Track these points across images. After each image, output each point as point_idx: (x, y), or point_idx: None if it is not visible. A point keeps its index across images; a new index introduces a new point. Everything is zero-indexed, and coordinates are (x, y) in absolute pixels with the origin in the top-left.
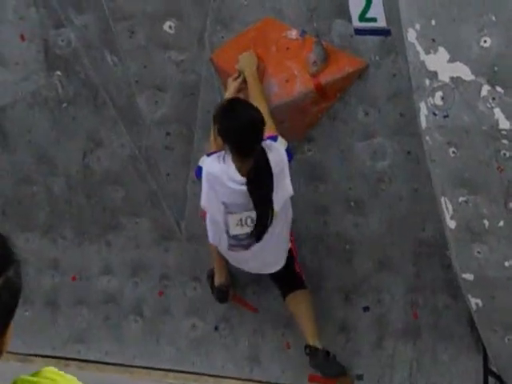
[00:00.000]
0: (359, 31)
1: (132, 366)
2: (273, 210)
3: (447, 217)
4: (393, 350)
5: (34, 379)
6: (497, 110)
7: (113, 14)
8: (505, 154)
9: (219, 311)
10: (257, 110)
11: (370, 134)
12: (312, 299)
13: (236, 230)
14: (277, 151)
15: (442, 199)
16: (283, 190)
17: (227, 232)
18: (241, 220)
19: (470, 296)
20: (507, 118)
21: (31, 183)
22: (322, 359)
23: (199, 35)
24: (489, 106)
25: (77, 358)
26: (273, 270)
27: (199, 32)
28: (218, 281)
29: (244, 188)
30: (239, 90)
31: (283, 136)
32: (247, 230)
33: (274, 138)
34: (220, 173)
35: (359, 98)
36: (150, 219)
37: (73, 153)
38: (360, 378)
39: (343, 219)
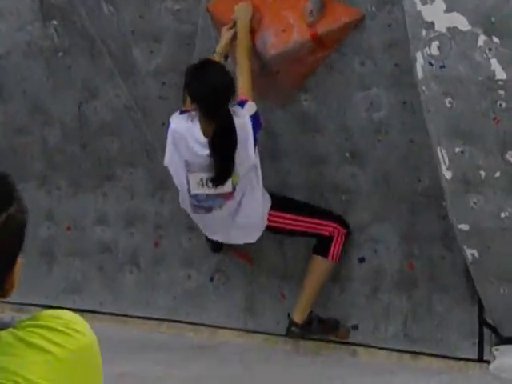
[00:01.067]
0: None
1: (126, 316)
2: (231, 173)
3: (443, 167)
4: (388, 300)
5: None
6: (493, 61)
7: None
8: (501, 105)
9: (214, 262)
10: (227, 74)
11: (366, 85)
12: (327, 273)
13: (196, 190)
14: (242, 118)
15: (438, 150)
16: (246, 157)
17: (188, 191)
18: (201, 180)
19: (465, 247)
20: (503, 68)
21: (26, 133)
22: (300, 332)
23: None
24: (485, 56)
25: (71, 307)
26: (241, 242)
27: None
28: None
29: (206, 149)
30: (232, 41)
31: (280, 85)
32: (207, 190)
33: (243, 103)
34: (186, 132)
35: (355, 48)
36: (146, 169)
37: (68, 103)
38: (355, 327)
39: (339, 170)
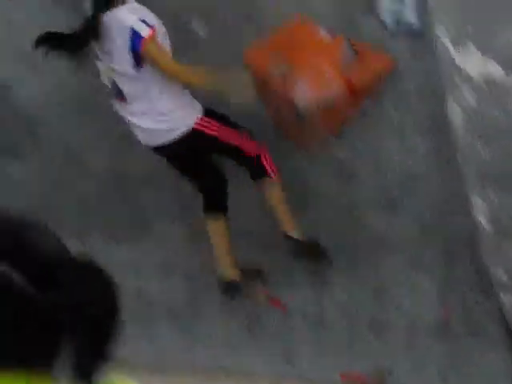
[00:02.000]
0: (390, 30)
1: (163, 364)
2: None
3: (478, 214)
4: (424, 347)
5: None
6: None
7: None
8: None
9: (249, 310)
10: None
11: (400, 132)
12: (279, 188)
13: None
14: (124, 15)
15: (473, 196)
16: (119, 51)
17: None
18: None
19: (501, 293)
20: None
21: (62, 186)
22: (302, 248)
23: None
24: None
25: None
26: (158, 142)
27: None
28: (225, 274)
29: None
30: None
31: (315, 134)
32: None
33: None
34: None
35: (390, 95)
36: (181, 221)
37: (104, 154)
38: (390, 373)
39: (375, 217)
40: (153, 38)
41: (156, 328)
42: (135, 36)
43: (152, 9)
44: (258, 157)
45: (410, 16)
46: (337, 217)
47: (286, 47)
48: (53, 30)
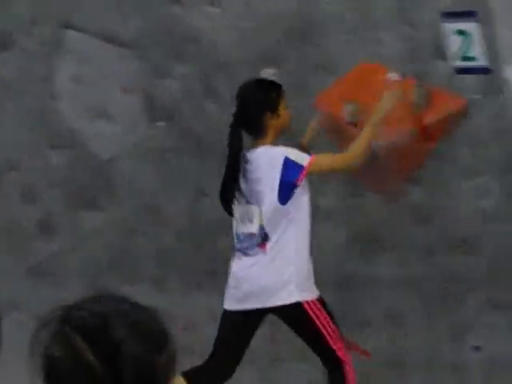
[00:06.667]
0: (459, 70)
1: None
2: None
3: None
4: None
5: None
6: None
7: (212, 63)
8: None
9: None
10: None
11: (475, 173)
12: None
13: (237, 227)
14: (275, 150)
15: None
16: (269, 193)
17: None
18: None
19: None
20: None
21: (139, 233)
22: None
23: (300, 81)
24: None
25: None
26: (268, 303)
27: (299, 78)
28: None
29: None
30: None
31: (390, 177)
32: (243, 228)
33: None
34: None
35: (463, 136)
36: None
37: (179, 202)
38: None
39: (452, 259)
40: None
41: (237, 376)
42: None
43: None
44: (341, 364)
45: (477, 53)
46: (413, 259)
47: (356, 90)
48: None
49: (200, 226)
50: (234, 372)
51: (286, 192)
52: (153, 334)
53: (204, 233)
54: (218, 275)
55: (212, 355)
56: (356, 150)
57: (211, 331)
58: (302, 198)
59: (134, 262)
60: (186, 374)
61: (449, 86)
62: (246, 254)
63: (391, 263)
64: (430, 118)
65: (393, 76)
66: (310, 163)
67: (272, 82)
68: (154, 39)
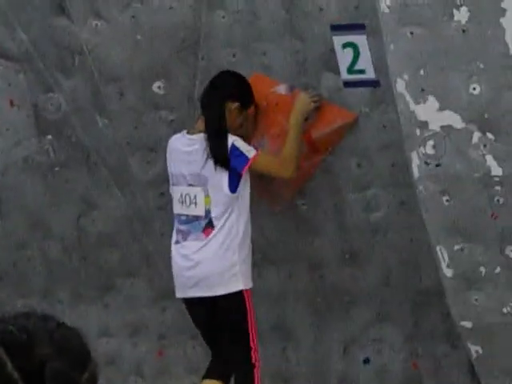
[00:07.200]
0: (348, 84)
1: None
2: (226, 153)
3: (443, 265)
4: None
5: None
6: (489, 157)
7: (101, 76)
8: (498, 201)
9: None
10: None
11: (363, 186)
12: None
13: (178, 208)
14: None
15: (438, 248)
16: (220, 179)
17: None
18: (181, 195)
19: (469, 343)
20: (499, 164)
21: (26, 248)
22: None
23: (189, 94)
24: (480, 153)
25: None
26: (208, 292)
27: (188, 91)
28: None
29: (190, 146)
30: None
31: (277, 190)
32: (185, 210)
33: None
34: (172, 142)
35: (351, 150)
36: (147, 279)
37: (67, 216)
38: None
39: (340, 272)
40: None
41: None
42: None
43: None
44: (253, 367)
45: (365, 66)
46: (301, 273)
47: None
48: None
49: (87, 239)
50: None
51: (233, 179)
52: (77, 352)
53: (92, 246)
54: (106, 288)
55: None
56: (289, 158)
57: (100, 344)
58: (246, 188)
59: (24, 276)
60: (210, 376)
61: (338, 99)
62: (186, 239)
63: (279, 276)
64: (318, 132)
65: (281, 89)
66: (254, 158)
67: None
68: (42, 52)
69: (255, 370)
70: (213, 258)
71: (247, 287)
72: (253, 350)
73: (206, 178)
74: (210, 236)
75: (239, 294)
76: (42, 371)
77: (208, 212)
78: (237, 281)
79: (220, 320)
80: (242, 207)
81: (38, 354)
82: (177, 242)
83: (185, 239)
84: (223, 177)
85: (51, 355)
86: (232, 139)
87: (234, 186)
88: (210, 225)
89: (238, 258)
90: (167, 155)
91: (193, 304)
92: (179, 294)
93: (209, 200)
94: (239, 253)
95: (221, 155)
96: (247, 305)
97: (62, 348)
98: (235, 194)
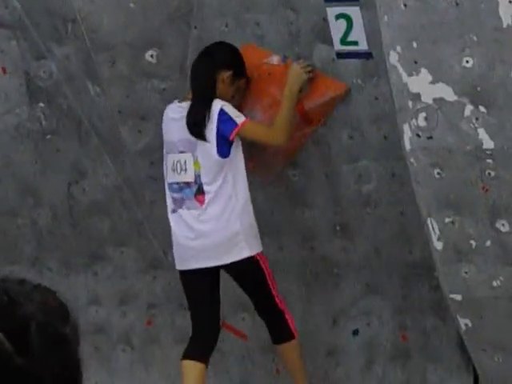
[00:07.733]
0: (341, 55)
1: None
2: (204, 122)
3: (434, 238)
4: (382, 372)
5: None
6: (481, 130)
7: (94, 44)
8: (490, 174)
9: None
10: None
11: (354, 158)
12: (299, 350)
13: (170, 177)
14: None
15: (428, 221)
16: (208, 146)
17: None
18: (173, 163)
19: (458, 316)
20: (491, 137)
21: (16, 215)
22: None
23: (181, 63)
24: (472, 126)
25: None
26: (216, 262)
27: (181, 60)
28: None
29: (180, 112)
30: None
31: (268, 161)
32: (177, 177)
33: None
34: (166, 111)
35: (343, 121)
36: (137, 248)
37: (57, 184)
38: None
39: (330, 244)
40: None
41: (113, 357)
42: None
43: None
44: (281, 315)
45: (359, 37)
46: (292, 244)
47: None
48: None
49: (77, 208)
50: (218, 329)
51: (222, 145)
52: (56, 309)
53: (82, 214)
54: (95, 257)
55: (192, 323)
56: (282, 128)
57: (89, 312)
58: (238, 154)
59: (14, 244)
60: (187, 355)
61: (331, 70)
62: (181, 207)
63: (270, 247)
64: (310, 103)
65: (273, 59)
66: (243, 124)
67: None
68: (35, 20)
69: (286, 316)
70: (214, 228)
71: (255, 252)
72: (279, 304)
73: (195, 143)
74: (204, 205)
75: (251, 258)
76: (25, 331)
77: (198, 177)
78: (242, 248)
79: (241, 287)
80: (237, 174)
81: (21, 314)
82: (173, 211)
83: (180, 207)
84: (212, 142)
85: (33, 313)
86: (221, 104)
87: (223, 152)
88: (200, 191)
89: (240, 226)
90: (162, 125)
91: (195, 276)
92: (180, 267)
93: (198, 165)
94: (241, 221)
95: (196, 124)
96: (263, 267)
97: (42, 305)
98: (225, 159)
